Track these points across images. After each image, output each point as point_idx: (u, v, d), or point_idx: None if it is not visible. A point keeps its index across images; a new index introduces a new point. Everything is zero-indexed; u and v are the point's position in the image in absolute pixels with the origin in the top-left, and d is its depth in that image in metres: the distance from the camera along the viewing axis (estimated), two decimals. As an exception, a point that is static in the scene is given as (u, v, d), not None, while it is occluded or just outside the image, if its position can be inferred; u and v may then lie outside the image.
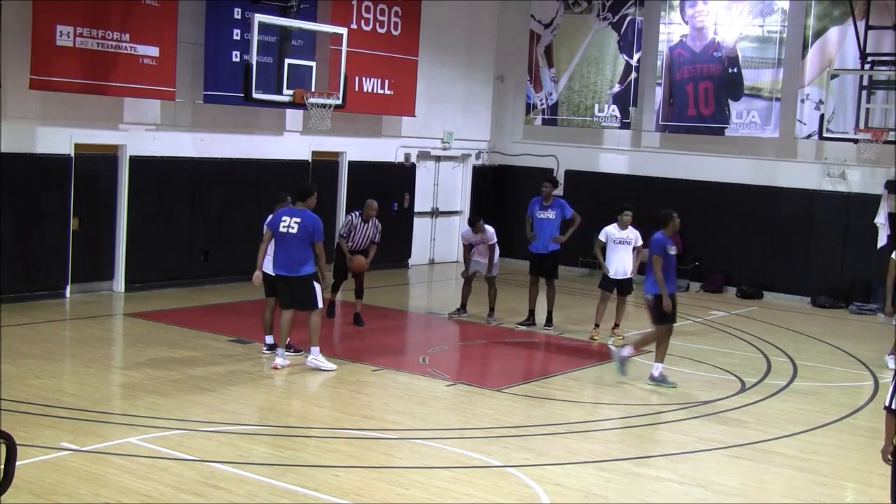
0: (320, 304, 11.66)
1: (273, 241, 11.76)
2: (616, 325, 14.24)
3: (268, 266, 12.14)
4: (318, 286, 11.63)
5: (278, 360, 11.61)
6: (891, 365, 13.17)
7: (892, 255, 13.25)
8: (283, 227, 11.49)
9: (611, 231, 14.02)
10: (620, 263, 13.98)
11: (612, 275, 13.98)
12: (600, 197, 18.88)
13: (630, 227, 14.00)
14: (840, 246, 18.73)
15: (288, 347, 12.09)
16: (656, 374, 11.78)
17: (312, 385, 11.22)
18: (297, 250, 11.46)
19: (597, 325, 14.20)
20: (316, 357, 11.63)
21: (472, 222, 15.14)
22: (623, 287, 14.13)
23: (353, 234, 14.42)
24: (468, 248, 15.16)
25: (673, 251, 11.76)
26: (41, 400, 9.70)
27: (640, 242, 14.06)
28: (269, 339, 12.21)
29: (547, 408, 10.75)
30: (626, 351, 11.98)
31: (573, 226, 14.79)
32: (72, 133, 14.79)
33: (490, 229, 14.96)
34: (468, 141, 21.75)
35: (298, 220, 11.46)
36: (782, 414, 11.00)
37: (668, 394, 11.55)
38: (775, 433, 10.14)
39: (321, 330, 11.80)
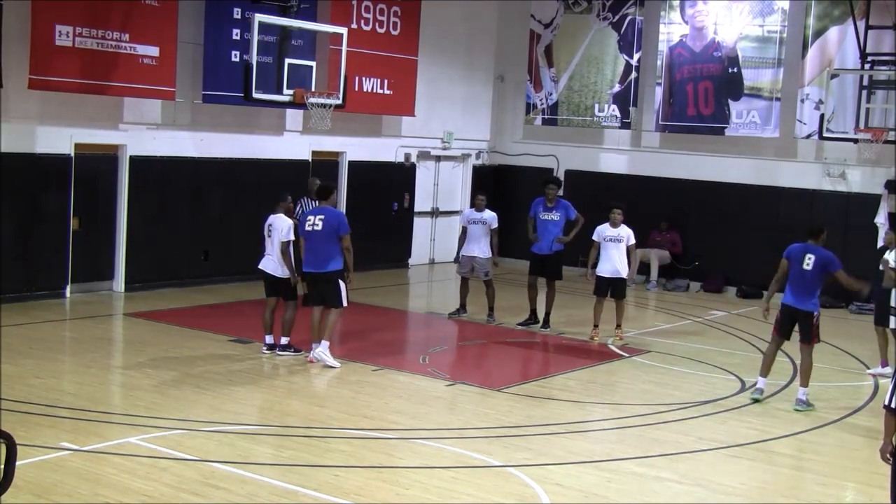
0: (345, 303, 11.72)
1: (270, 242, 12.07)
2: (618, 326, 14.20)
3: (266, 265, 12.13)
4: (343, 285, 11.68)
5: (317, 353, 11.70)
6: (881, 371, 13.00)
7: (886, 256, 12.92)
8: (309, 225, 11.72)
9: (602, 229, 14.05)
10: (610, 261, 13.96)
11: (602, 273, 13.98)
12: (600, 197, 18.86)
13: (622, 226, 14.00)
14: (840, 246, 18.63)
15: (287, 347, 12.11)
16: (804, 397, 11.18)
17: (312, 385, 11.22)
18: (322, 247, 11.62)
19: (596, 326, 14.20)
20: (325, 350, 11.66)
21: (475, 199, 15.29)
22: (616, 288, 14.07)
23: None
24: (465, 230, 15.15)
25: None
26: (41, 400, 9.70)
27: (633, 241, 14.06)
28: (269, 339, 12.21)
29: (547, 408, 10.75)
30: (802, 395, 11.17)
31: (577, 227, 14.79)
32: (72, 133, 14.79)
33: (491, 212, 14.97)
34: (468, 141, 21.75)
35: (322, 216, 11.69)
36: (782, 413, 11.00)
37: (668, 393, 11.55)
38: (775, 433, 10.14)
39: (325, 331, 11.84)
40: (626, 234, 14.00)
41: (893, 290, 12.71)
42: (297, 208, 14.69)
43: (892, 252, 12.80)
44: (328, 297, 11.71)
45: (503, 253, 16.00)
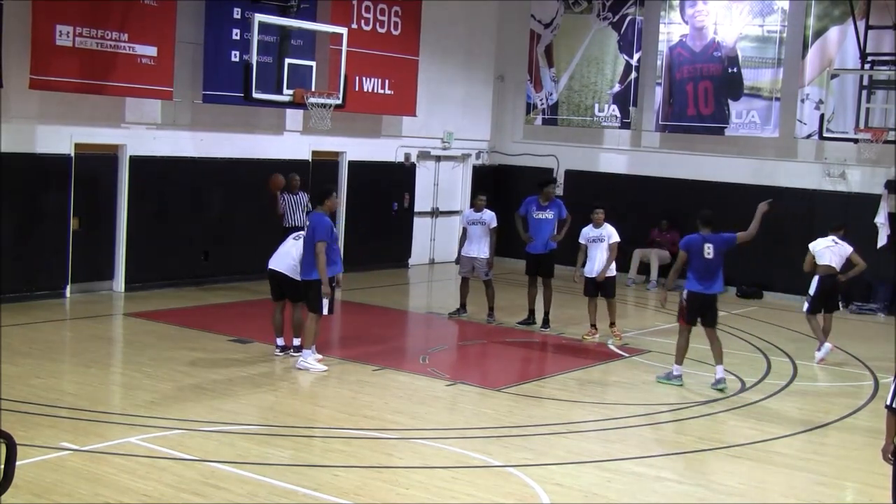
0: (324, 311, 11.64)
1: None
2: (612, 324, 14.20)
3: (279, 265, 12.05)
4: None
5: (300, 363, 11.64)
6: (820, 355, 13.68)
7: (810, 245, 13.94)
8: (302, 234, 11.78)
9: (587, 231, 14.11)
10: (594, 261, 13.99)
11: (588, 273, 14.03)
12: (600, 197, 18.83)
13: (605, 225, 14.02)
14: (840, 246, 18.71)
15: (286, 348, 12.07)
16: (723, 375, 11.82)
17: (312, 385, 11.22)
18: (308, 255, 11.56)
19: (593, 326, 14.20)
20: (305, 359, 11.61)
21: (475, 199, 15.30)
22: (604, 288, 14.05)
23: (287, 210, 15.33)
24: (465, 230, 15.14)
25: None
26: (41, 400, 9.70)
27: (614, 239, 14.04)
28: (280, 341, 12.15)
29: (547, 407, 10.75)
30: (722, 373, 11.83)
31: (566, 224, 14.88)
32: (72, 133, 14.78)
33: (491, 213, 14.97)
34: (468, 141, 21.75)
35: (309, 223, 11.62)
36: (782, 414, 11.01)
37: (668, 393, 11.56)
38: (775, 433, 10.14)
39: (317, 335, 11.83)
40: (608, 232, 14.02)
41: (816, 278, 13.70)
42: (281, 203, 15.49)
43: (824, 241, 13.80)
44: (310, 301, 11.63)
45: (503, 253, 16.02)
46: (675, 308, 17.28)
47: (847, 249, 13.78)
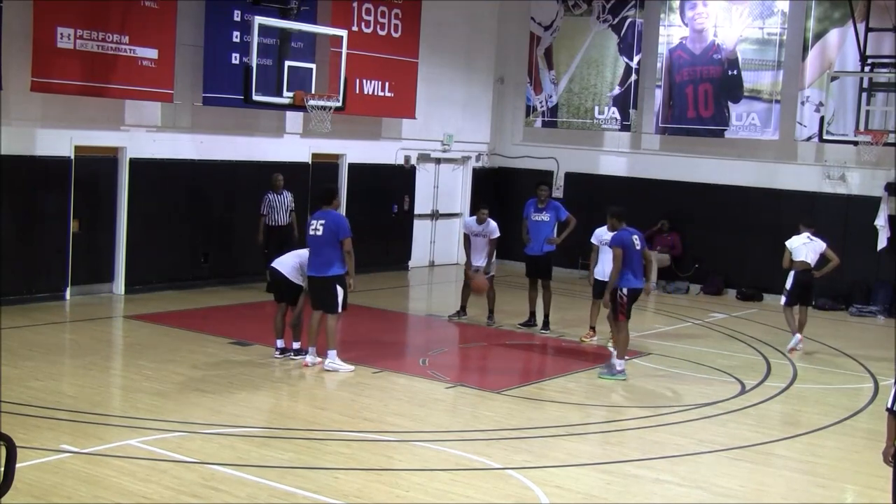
0: (340, 310, 11.67)
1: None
2: (613, 329, 14.21)
3: (281, 265, 12.06)
4: (341, 291, 11.63)
5: (308, 359, 11.73)
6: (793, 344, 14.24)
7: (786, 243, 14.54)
8: (311, 230, 11.69)
9: (600, 233, 13.97)
10: (606, 264, 13.88)
11: (598, 276, 13.92)
12: (600, 199, 18.86)
13: None
14: (840, 248, 18.69)
15: (301, 351, 12.05)
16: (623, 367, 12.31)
17: (312, 387, 11.22)
18: (323, 251, 11.57)
19: (592, 328, 14.20)
20: (333, 360, 11.63)
21: (477, 212, 15.19)
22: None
23: (272, 210, 15.93)
24: (468, 238, 15.11)
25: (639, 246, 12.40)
26: (41, 402, 9.70)
27: None
28: (280, 343, 12.15)
29: (546, 410, 10.75)
30: (622, 365, 12.22)
31: (568, 228, 14.77)
32: (72, 135, 14.79)
33: (493, 223, 14.93)
34: (468, 143, 21.76)
35: (323, 221, 11.63)
36: (782, 416, 11.01)
37: (668, 396, 11.56)
38: (775, 435, 10.15)
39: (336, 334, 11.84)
40: None
41: (791, 273, 14.33)
42: (263, 206, 15.95)
43: (799, 238, 14.36)
44: (323, 301, 11.65)
45: (503, 256, 15.96)
46: (671, 310, 17.29)
47: (821, 245, 14.34)
